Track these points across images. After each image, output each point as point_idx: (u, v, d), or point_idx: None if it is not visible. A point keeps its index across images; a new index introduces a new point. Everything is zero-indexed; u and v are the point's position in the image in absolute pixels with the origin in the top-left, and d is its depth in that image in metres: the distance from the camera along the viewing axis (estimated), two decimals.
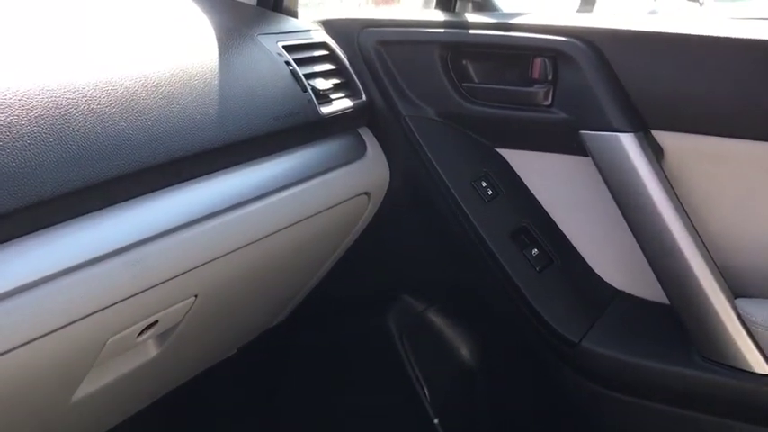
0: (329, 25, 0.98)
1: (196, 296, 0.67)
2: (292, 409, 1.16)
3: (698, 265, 0.78)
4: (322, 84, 0.87)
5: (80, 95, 0.57)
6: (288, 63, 0.83)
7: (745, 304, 0.77)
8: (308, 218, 0.80)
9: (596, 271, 0.92)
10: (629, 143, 0.79)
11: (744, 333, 0.76)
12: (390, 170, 0.94)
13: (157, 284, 0.60)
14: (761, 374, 0.75)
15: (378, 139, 0.94)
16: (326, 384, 1.12)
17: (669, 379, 0.81)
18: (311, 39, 0.92)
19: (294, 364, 1.13)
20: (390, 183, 0.94)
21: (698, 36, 0.79)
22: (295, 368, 1.13)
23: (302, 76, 0.84)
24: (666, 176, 0.80)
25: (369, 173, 0.93)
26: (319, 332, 1.10)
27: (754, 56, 0.77)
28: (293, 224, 0.77)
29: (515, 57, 0.89)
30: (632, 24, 0.83)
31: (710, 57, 0.79)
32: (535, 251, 0.90)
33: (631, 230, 0.81)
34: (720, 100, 0.78)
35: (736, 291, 0.79)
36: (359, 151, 0.92)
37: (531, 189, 0.93)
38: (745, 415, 0.78)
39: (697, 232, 0.79)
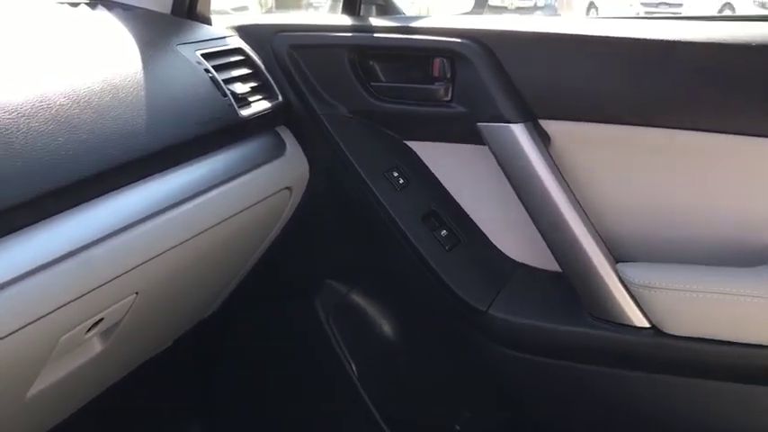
0: (243, 31, 1.04)
1: (137, 293, 0.73)
2: (228, 393, 1.22)
3: (583, 236, 0.89)
4: (240, 88, 0.93)
5: (20, 116, 0.62)
6: (207, 70, 0.89)
7: (624, 268, 0.89)
8: (235, 214, 0.86)
9: (498, 246, 1.02)
10: (519, 132, 0.89)
11: (625, 293, 0.88)
12: (309, 165, 1.01)
13: (103, 284, 0.65)
14: (640, 327, 0.87)
15: (296, 137, 1.01)
16: (260, 368, 1.18)
17: (564, 337, 0.92)
18: (227, 45, 0.98)
19: (228, 351, 1.20)
20: (310, 177, 1.02)
21: (574, 35, 0.90)
22: (230, 353, 1.20)
23: (221, 82, 0.90)
24: (553, 160, 0.90)
25: (289, 169, 0.99)
26: (250, 319, 1.17)
27: (623, 50, 0.88)
28: (223, 221, 0.83)
29: (417, 57, 0.98)
30: (519, 26, 0.93)
31: (586, 52, 0.90)
32: (444, 232, 1.00)
33: (525, 209, 0.92)
34: (597, 90, 0.89)
35: (617, 256, 0.91)
36: (279, 149, 0.99)
37: (438, 177, 1.02)
38: (629, 363, 0.90)
39: (582, 208, 0.90)
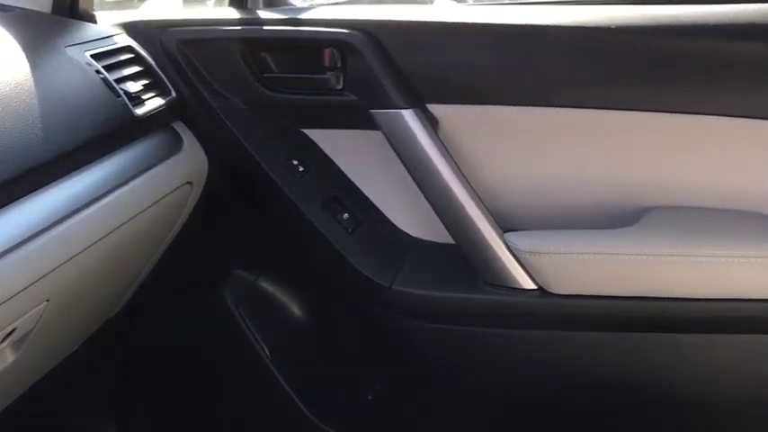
0: (130, 28, 1.03)
1: (48, 300, 0.73)
2: (142, 388, 1.23)
3: (473, 210, 0.96)
4: (133, 86, 0.94)
5: None
6: (98, 71, 0.89)
7: (511, 236, 0.96)
8: (139, 213, 0.87)
9: (397, 225, 1.08)
10: (409, 117, 0.95)
11: (512, 259, 0.96)
12: (208, 158, 1.03)
13: (14, 294, 0.66)
14: (528, 289, 0.96)
15: (193, 132, 1.02)
16: (173, 361, 1.20)
17: (462, 304, 1.00)
18: (116, 44, 0.98)
19: (139, 347, 1.20)
20: (210, 170, 1.03)
21: (455, 23, 0.96)
22: (141, 350, 1.20)
23: (113, 82, 0.90)
24: (441, 141, 0.97)
25: (188, 163, 1.01)
26: (159, 314, 1.18)
27: (499, 36, 0.95)
28: (127, 221, 0.84)
29: (308, 48, 1.01)
30: (403, 15, 0.98)
31: (466, 39, 0.96)
32: (346, 215, 1.05)
33: (419, 188, 0.98)
34: (477, 75, 0.96)
35: (504, 226, 0.98)
36: (176, 145, 1.00)
37: (336, 162, 1.07)
38: (521, 323, 0.99)
39: (470, 184, 0.97)
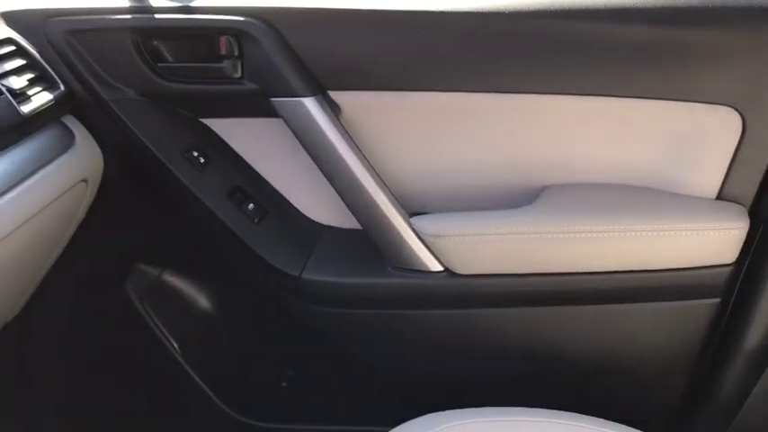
0: (10, 18, 0.97)
1: None
2: (47, 393, 1.19)
3: (378, 195, 0.97)
4: (17, 82, 0.88)
5: None
6: None
7: (416, 220, 0.98)
8: (32, 216, 0.83)
9: (304, 212, 1.08)
10: (311, 105, 0.94)
11: (419, 242, 0.98)
12: (103, 153, 0.99)
13: None
14: (435, 272, 0.98)
15: (85, 126, 0.98)
16: (78, 362, 1.16)
17: (371, 289, 1.01)
18: None
19: (41, 350, 1.15)
20: (105, 165, 1.00)
21: (351, 10, 0.95)
22: (43, 352, 1.16)
23: None
24: (344, 128, 0.97)
25: (82, 160, 0.97)
26: (61, 314, 1.13)
27: (395, 22, 0.95)
28: (20, 226, 0.80)
29: (203, 36, 0.99)
30: (300, 2, 0.97)
31: (363, 26, 0.96)
32: (251, 206, 1.04)
33: (324, 175, 0.98)
34: (376, 61, 0.96)
35: (409, 210, 1.00)
36: (68, 141, 0.95)
37: (238, 152, 1.05)
38: (429, 303, 1.02)
39: (374, 169, 0.98)
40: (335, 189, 0.99)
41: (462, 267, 0.97)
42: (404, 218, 0.98)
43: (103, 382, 1.17)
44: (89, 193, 0.99)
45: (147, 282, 1.13)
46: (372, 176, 0.97)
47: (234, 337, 1.16)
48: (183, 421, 1.18)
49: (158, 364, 1.14)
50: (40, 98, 0.91)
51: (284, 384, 1.18)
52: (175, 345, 1.13)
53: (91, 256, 1.08)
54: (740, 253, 0.93)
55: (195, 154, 1.01)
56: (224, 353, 1.16)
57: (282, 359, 1.15)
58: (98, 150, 0.99)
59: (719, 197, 0.94)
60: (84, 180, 0.96)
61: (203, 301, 1.16)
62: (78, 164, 0.95)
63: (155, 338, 1.12)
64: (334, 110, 0.97)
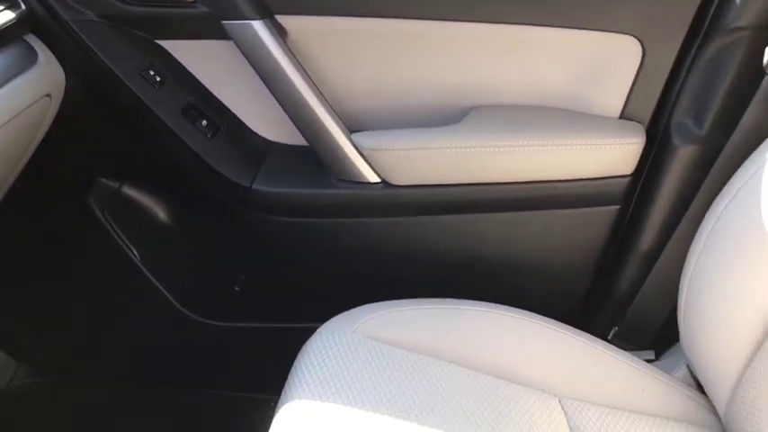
0: None
1: None
2: (12, 306, 1.27)
3: (323, 114, 1.07)
4: None
5: None
6: None
7: (357, 136, 1.09)
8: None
9: (254, 130, 1.17)
10: (259, 28, 1.02)
11: (359, 157, 1.08)
12: (65, 70, 1.06)
13: None
14: (373, 183, 1.10)
15: (47, 44, 1.04)
16: (43, 273, 1.24)
17: (317, 199, 1.12)
18: None
19: (6, 261, 1.23)
20: (67, 82, 1.06)
21: None
22: (8, 263, 1.24)
23: None
24: (291, 51, 1.06)
25: (45, 76, 1.03)
26: (25, 227, 1.21)
27: None
28: None
29: None
30: None
31: None
32: (204, 122, 1.12)
33: (272, 94, 1.07)
34: None
35: (350, 128, 1.10)
36: (31, 58, 1.02)
37: (192, 72, 1.13)
38: (368, 212, 1.13)
39: (319, 90, 1.08)
40: (283, 107, 1.08)
41: (397, 179, 1.08)
42: (345, 134, 1.08)
43: (66, 288, 1.26)
44: (52, 108, 1.06)
45: (107, 194, 1.21)
46: (317, 96, 1.07)
47: (189, 245, 1.25)
48: (142, 321, 1.29)
49: (119, 270, 1.23)
50: (2, 17, 0.97)
51: (237, 289, 1.29)
52: (135, 252, 1.22)
53: (54, 169, 1.15)
54: (637, 165, 1.06)
55: (152, 73, 1.09)
56: (180, 259, 1.26)
57: (234, 265, 1.26)
58: (60, 68, 1.05)
59: (622, 116, 1.07)
60: (48, 95, 1.03)
61: (161, 212, 1.25)
62: (42, 79, 1.02)
63: (115, 246, 1.21)
64: (281, 33, 1.05)
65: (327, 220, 1.14)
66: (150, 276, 1.22)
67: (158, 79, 1.09)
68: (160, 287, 1.23)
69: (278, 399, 0.87)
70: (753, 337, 0.84)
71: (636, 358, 1.02)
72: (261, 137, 1.18)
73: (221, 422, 1.31)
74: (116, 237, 1.20)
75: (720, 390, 0.90)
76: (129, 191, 1.22)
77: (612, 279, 1.15)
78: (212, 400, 1.33)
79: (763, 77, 0.92)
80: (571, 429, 0.88)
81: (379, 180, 1.09)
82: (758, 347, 0.84)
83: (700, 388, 1.00)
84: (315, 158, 1.11)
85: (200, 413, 1.33)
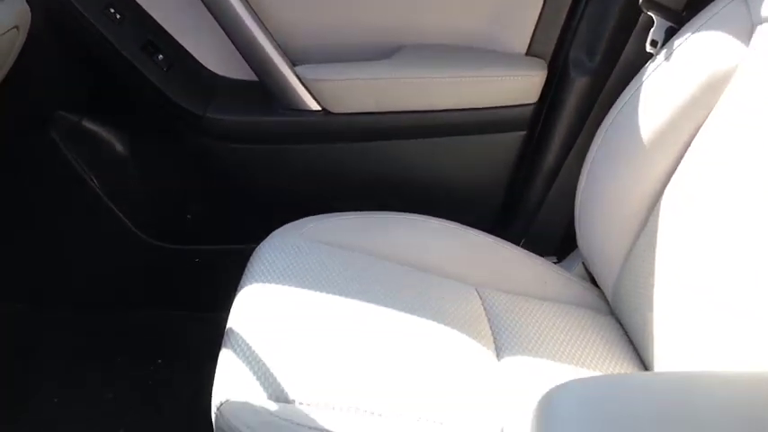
0: None
1: None
2: None
3: (269, 49, 1.20)
4: None
5: None
6: None
7: (300, 69, 1.23)
8: None
9: (205, 64, 1.30)
10: None
11: (302, 87, 1.22)
12: (31, 6, 1.15)
13: None
14: (315, 110, 1.24)
15: None
16: (10, 197, 1.33)
17: (265, 126, 1.26)
18: None
19: None
20: (33, 16, 1.16)
21: None
22: None
23: None
24: None
25: (12, 8, 1.12)
26: None
27: None
28: None
29: None
30: None
31: None
32: (161, 57, 1.24)
33: (222, 30, 1.19)
34: None
35: (294, 61, 1.24)
36: None
37: (148, 11, 1.24)
38: (311, 138, 1.27)
39: (266, 26, 1.20)
40: (233, 42, 1.21)
41: (336, 107, 1.23)
42: (289, 66, 1.22)
43: (28, 216, 1.36)
44: (20, 40, 1.15)
45: (68, 127, 1.31)
46: (264, 33, 1.20)
47: (145, 173, 1.36)
48: (101, 246, 1.39)
49: (80, 198, 1.33)
50: None
51: (189, 216, 1.42)
52: (95, 180, 1.33)
53: (17, 103, 1.25)
54: (540, 96, 1.25)
55: (112, 11, 1.20)
56: (137, 186, 1.37)
57: (187, 190, 1.38)
58: (25, 3, 1.15)
59: (528, 53, 1.25)
60: (16, 27, 1.12)
61: (118, 144, 1.35)
62: (9, 12, 1.11)
63: (76, 175, 1.31)
64: None
65: (273, 146, 1.28)
66: (109, 202, 1.33)
67: (118, 17, 1.20)
68: (117, 212, 1.34)
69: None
70: (632, 228, 1.03)
71: (542, 258, 1.20)
72: (212, 71, 1.30)
73: (178, 341, 1.44)
74: (76, 166, 1.30)
75: (608, 278, 1.09)
76: (89, 123, 1.32)
77: (522, 194, 1.33)
78: (168, 320, 1.46)
79: (640, 14, 1.10)
80: (486, 311, 1.05)
81: (320, 108, 1.24)
82: (636, 237, 1.03)
83: (593, 282, 1.20)
84: (261, 90, 1.24)
85: (158, 334, 1.45)
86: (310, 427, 0.75)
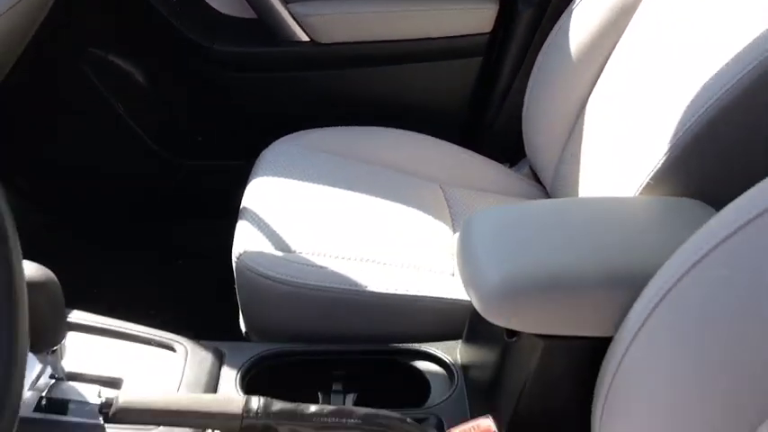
0: None
1: None
2: (21, 148, 1.59)
3: None
4: None
5: None
6: None
7: (292, 6, 1.46)
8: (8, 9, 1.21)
9: (210, 4, 1.52)
10: None
11: (293, 21, 1.46)
12: None
13: None
14: (305, 41, 1.47)
15: None
16: (48, 128, 1.57)
17: (264, 56, 1.50)
18: None
19: (15, 115, 1.55)
20: None
21: None
22: (18, 117, 1.55)
23: None
24: None
25: None
26: (26, 92, 1.51)
27: None
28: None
29: None
30: None
31: None
32: None
33: None
34: None
35: None
36: None
37: None
38: (301, 66, 1.51)
39: None
40: None
41: (322, 38, 1.47)
42: (283, 4, 1.45)
43: (62, 135, 1.59)
44: None
45: (96, 61, 1.54)
46: None
47: (163, 102, 1.60)
48: (125, 161, 1.64)
49: (107, 121, 1.57)
50: None
51: (200, 138, 1.66)
52: (120, 105, 1.57)
53: (54, 41, 1.47)
54: (494, 26, 1.48)
55: None
56: (156, 110, 1.61)
57: (202, 117, 1.62)
58: None
59: None
60: None
61: (140, 75, 1.58)
62: None
63: (104, 101, 1.54)
64: None
65: (271, 74, 1.52)
66: (132, 124, 1.57)
67: None
68: (140, 132, 1.58)
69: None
70: (566, 128, 1.27)
71: (496, 162, 1.45)
72: (216, 10, 1.53)
73: (195, 242, 1.69)
74: (104, 93, 1.54)
75: (548, 170, 1.34)
76: (115, 58, 1.55)
77: (481, 110, 1.58)
78: (184, 225, 1.71)
79: None
80: (447, 201, 1.31)
81: (309, 39, 1.47)
82: (570, 134, 1.27)
83: (538, 181, 1.45)
84: (260, 26, 1.47)
85: (176, 238, 1.71)
86: (306, 265, 1.02)
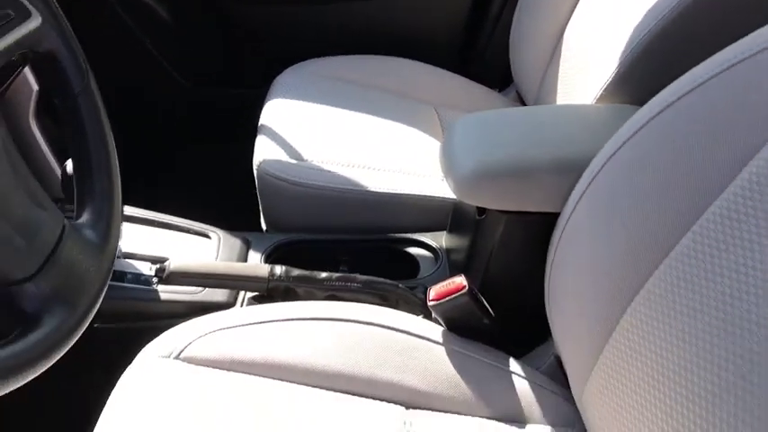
0: None
1: None
2: None
3: None
4: None
5: None
6: None
7: None
8: None
9: None
10: None
11: None
12: None
13: None
14: None
15: None
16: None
17: None
18: None
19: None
20: None
21: None
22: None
23: None
24: None
25: None
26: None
27: None
28: None
29: None
30: None
31: None
32: None
33: None
34: None
35: None
36: None
37: None
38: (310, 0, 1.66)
39: None
40: None
41: None
42: None
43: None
44: None
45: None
46: None
47: (184, 32, 1.76)
48: (151, 89, 1.80)
49: (134, 53, 1.73)
50: None
51: (220, 68, 1.82)
52: (146, 39, 1.72)
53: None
54: None
55: None
56: (178, 42, 1.76)
57: (215, 44, 1.77)
58: None
59: None
60: None
61: (163, 10, 1.72)
62: None
63: (131, 33, 1.69)
64: None
65: (280, 7, 1.67)
66: (157, 54, 1.73)
67: None
68: (164, 63, 1.74)
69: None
70: (550, 47, 1.42)
71: (487, 88, 1.61)
72: None
73: (216, 162, 1.86)
74: (131, 26, 1.69)
75: (531, 95, 1.49)
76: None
77: (473, 40, 1.73)
78: (204, 148, 1.89)
79: None
80: (440, 120, 1.48)
81: None
82: (552, 56, 1.42)
83: (523, 104, 1.61)
84: None
85: (199, 158, 1.88)
86: (316, 170, 1.20)
